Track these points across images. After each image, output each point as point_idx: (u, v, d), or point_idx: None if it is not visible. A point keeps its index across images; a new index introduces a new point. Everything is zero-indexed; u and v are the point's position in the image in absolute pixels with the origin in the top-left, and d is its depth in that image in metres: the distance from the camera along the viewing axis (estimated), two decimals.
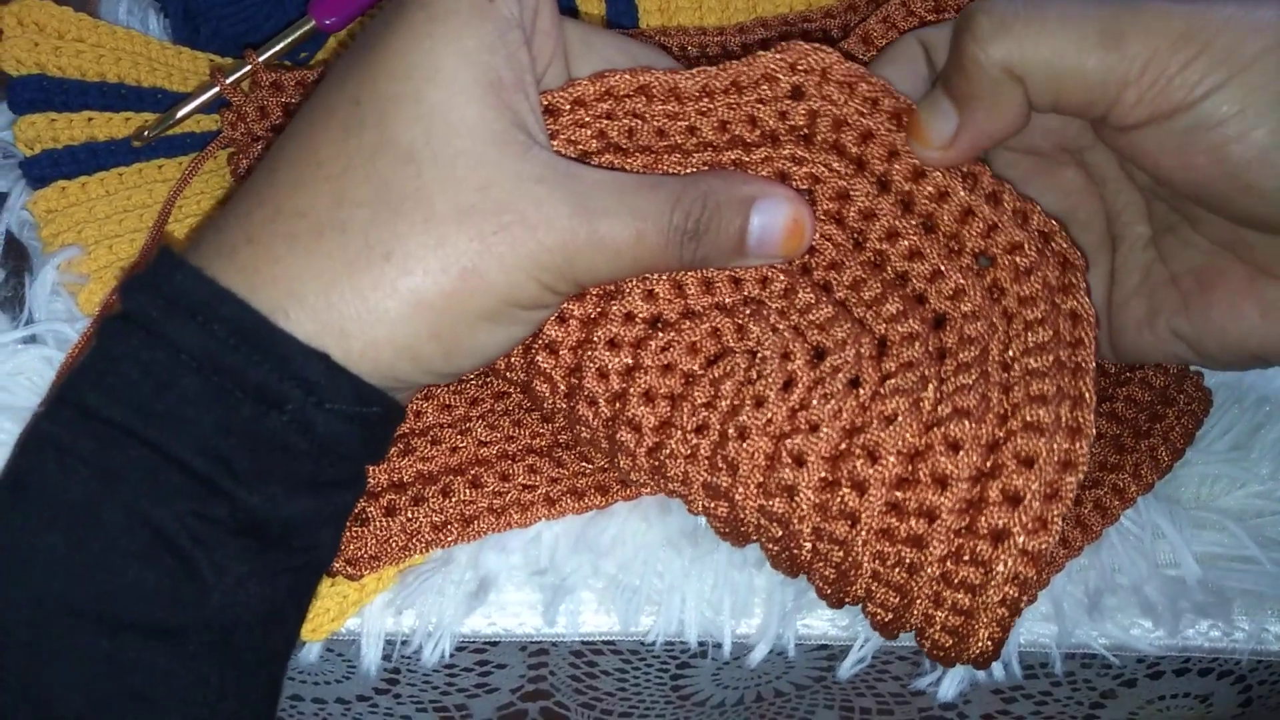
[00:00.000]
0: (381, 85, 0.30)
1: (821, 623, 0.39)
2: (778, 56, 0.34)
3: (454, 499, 0.37)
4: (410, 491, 0.37)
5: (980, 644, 0.32)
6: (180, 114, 0.42)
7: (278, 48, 0.42)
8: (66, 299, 0.40)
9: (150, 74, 0.44)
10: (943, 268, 0.34)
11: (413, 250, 0.29)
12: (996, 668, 0.39)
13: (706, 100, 0.34)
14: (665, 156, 0.34)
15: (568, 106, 0.33)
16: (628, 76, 0.33)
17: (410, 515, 0.37)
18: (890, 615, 0.33)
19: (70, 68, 0.43)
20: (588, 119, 0.33)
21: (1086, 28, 0.30)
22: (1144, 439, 0.39)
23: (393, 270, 0.29)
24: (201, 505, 0.28)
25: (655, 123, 0.34)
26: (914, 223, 0.34)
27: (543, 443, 0.38)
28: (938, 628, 0.32)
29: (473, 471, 0.38)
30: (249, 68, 0.42)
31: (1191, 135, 0.30)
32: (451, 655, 0.40)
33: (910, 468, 0.32)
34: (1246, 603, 0.40)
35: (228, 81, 0.42)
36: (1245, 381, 0.43)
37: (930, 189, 0.34)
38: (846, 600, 0.34)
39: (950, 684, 0.39)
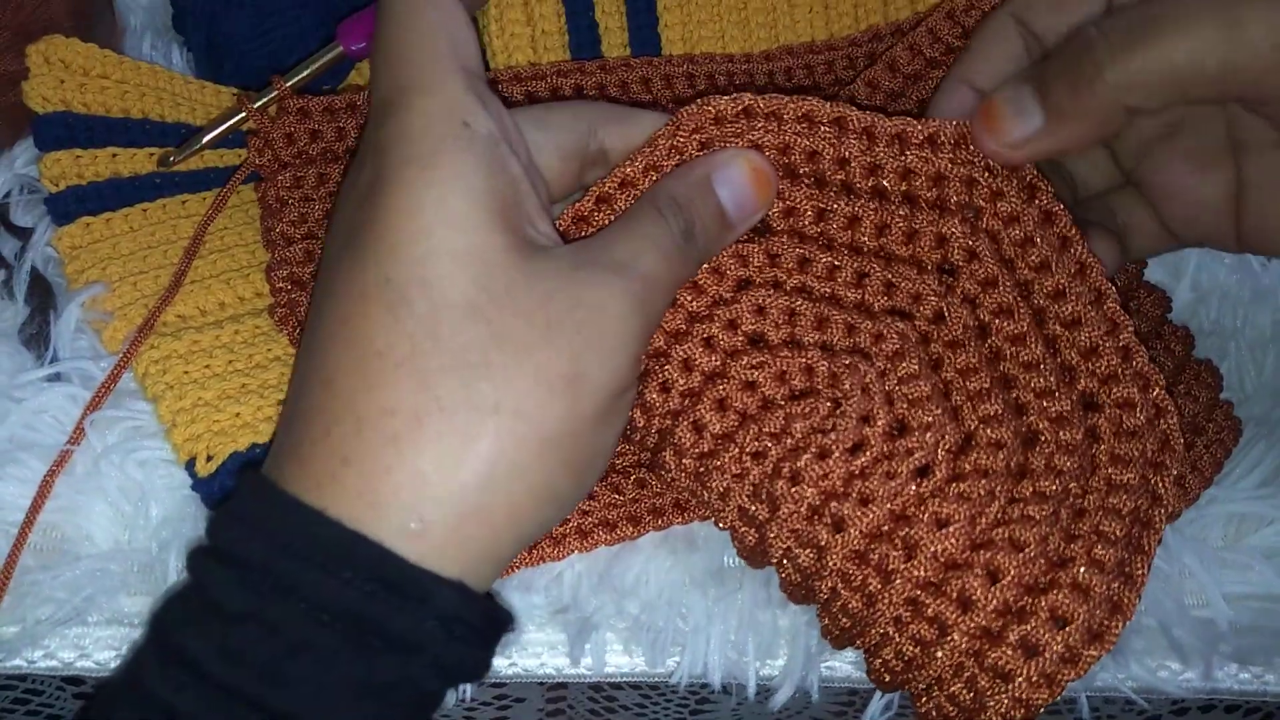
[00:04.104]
0: (405, 252, 0.28)
1: (846, 665, 0.38)
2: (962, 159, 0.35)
3: None
4: None
5: None
6: (206, 138, 0.42)
7: (305, 73, 0.43)
8: (91, 336, 0.40)
9: (174, 109, 0.45)
10: (1055, 389, 0.34)
11: (516, 389, 0.28)
12: None
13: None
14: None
15: (618, 191, 0.34)
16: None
17: None
18: (889, 678, 0.33)
19: (95, 104, 0.43)
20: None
21: (1204, 32, 0.30)
22: None
23: (507, 422, 0.28)
24: None
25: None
26: (1038, 336, 0.34)
27: None
28: (932, 705, 0.32)
29: None
30: (276, 93, 0.42)
31: None
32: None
33: (942, 575, 0.31)
34: (1277, 644, 0.39)
35: (254, 106, 0.42)
36: (1274, 416, 0.42)
37: (1067, 311, 0.34)
38: (850, 647, 0.34)
39: None
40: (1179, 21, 0.30)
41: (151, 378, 0.38)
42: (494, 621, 0.29)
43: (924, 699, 0.32)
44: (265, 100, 0.42)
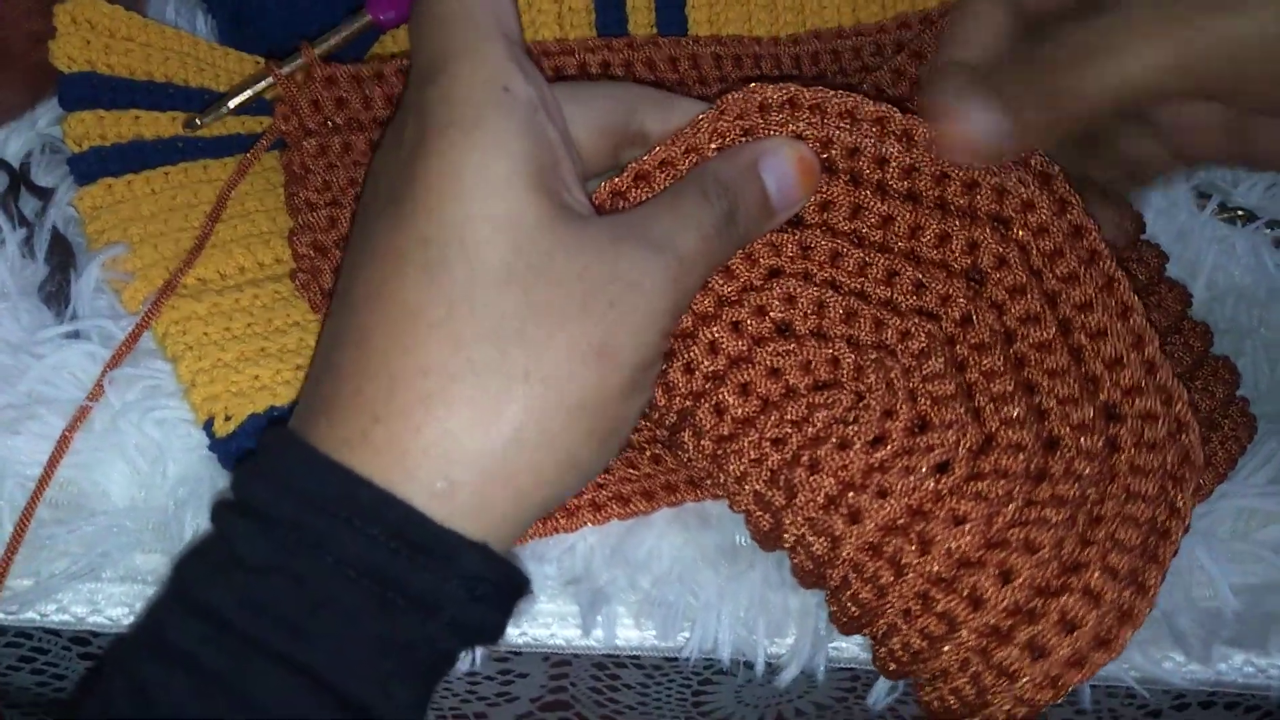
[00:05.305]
0: (445, 214, 0.29)
1: (853, 647, 0.38)
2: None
3: None
4: None
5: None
6: (233, 103, 0.42)
7: (333, 40, 0.43)
8: (110, 296, 0.40)
9: (198, 74, 0.45)
10: (1078, 397, 0.34)
11: (548, 359, 0.28)
12: None
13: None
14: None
15: (657, 170, 0.34)
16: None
17: None
18: (894, 667, 0.33)
19: (119, 66, 0.43)
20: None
21: (1157, 50, 0.30)
22: None
23: (537, 389, 0.28)
24: None
25: None
26: (1063, 345, 0.34)
27: None
28: (935, 697, 0.32)
29: None
30: (303, 60, 0.42)
31: None
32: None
33: (954, 571, 0.31)
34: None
35: (282, 72, 0.42)
36: None
37: (1093, 322, 0.34)
38: (857, 633, 0.34)
39: None
40: (1133, 39, 0.30)
41: (172, 338, 0.38)
42: (513, 584, 0.30)
43: (927, 689, 0.32)
44: (293, 67, 0.42)
